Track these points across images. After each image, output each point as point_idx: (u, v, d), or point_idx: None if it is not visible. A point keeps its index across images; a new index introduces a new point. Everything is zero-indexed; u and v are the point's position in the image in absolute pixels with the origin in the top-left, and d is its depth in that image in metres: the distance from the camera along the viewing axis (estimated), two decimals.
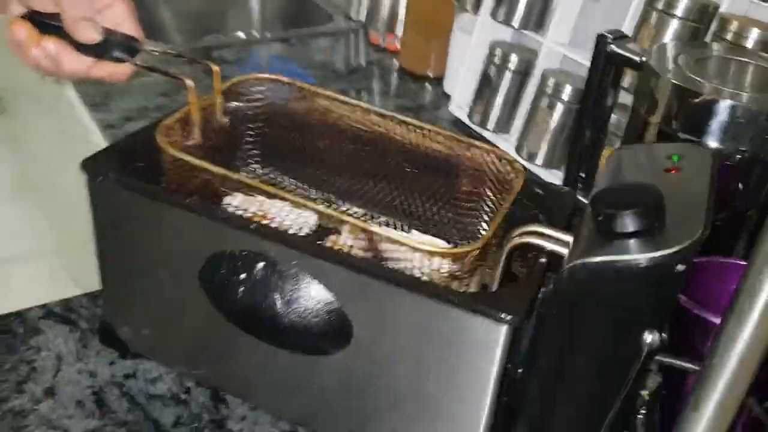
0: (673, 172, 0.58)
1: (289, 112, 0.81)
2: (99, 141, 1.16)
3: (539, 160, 1.13)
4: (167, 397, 0.73)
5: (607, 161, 0.69)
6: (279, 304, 0.61)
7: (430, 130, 0.75)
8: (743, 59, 0.79)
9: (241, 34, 1.94)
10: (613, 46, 0.83)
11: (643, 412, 0.72)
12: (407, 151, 0.77)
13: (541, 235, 0.60)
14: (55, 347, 0.78)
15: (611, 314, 0.51)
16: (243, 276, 0.61)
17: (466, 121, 1.25)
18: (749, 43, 0.85)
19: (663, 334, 0.50)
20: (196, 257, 0.64)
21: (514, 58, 1.17)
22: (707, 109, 0.70)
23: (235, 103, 0.79)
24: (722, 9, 0.91)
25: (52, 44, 0.65)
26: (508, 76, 1.18)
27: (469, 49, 1.25)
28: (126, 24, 0.68)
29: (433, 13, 1.42)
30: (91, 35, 0.65)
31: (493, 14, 1.19)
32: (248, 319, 0.64)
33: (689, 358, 0.57)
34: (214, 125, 0.76)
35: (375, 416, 0.64)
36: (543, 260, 0.60)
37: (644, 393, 0.72)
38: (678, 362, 0.59)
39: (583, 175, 0.93)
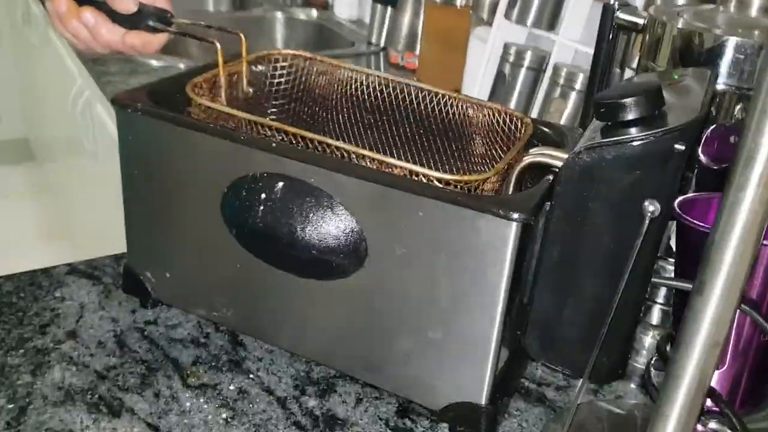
0: (674, 86, 0.60)
1: (311, 86, 0.84)
2: None
3: None
4: (187, 341, 0.75)
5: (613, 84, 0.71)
6: (297, 224, 0.63)
7: (444, 95, 0.78)
8: (745, 17, 0.81)
9: None
10: (618, 13, 0.86)
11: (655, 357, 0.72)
12: (423, 119, 0.80)
13: (550, 156, 0.62)
14: (78, 297, 0.80)
15: (615, 198, 0.52)
16: (263, 197, 0.63)
17: None
18: (753, 11, 0.88)
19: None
20: (218, 186, 0.67)
21: (528, 55, 1.20)
22: (710, 50, 0.72)
23: (259, 73, 0.83)
24: None
25: (90, 14, 0.71)
26: (522, 72, 1.21)
27: (484, 53, 1.29)
28: (160, 0, 0.73)
29: (450, 27, 1.47)
30: (128, 5, 0.71)
31: (507, 15, 1.23)
32: (267, 244, 0.66)
33: None
34: (239, 93, 0.80)
35: (389, 343, 0.65)
36: (550, 177, 0.62)
37: (655, 332, 0.73)
38: (679, 283, 0.60)
39: None
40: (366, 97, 0.80)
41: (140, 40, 0.71)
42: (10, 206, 2.82)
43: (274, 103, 0.86)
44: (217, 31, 0.84)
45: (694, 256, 0.65)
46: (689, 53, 0.74)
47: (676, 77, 0.61)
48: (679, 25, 0.75)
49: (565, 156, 0.60)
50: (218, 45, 0.71)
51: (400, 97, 0.78)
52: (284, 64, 0.82)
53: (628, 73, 0.96)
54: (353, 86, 0.80)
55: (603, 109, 0.53)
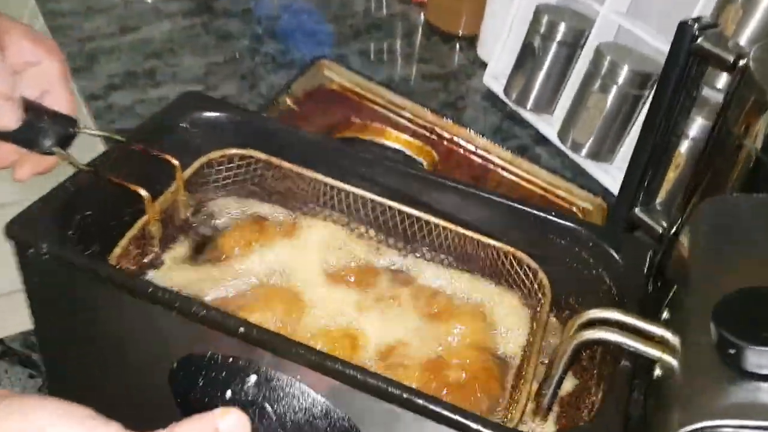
0: None
1: (268, 190, 0.65)
2: (85, 119, 1.01)
3: (584, 151, 0.97)
4: None
5: (698, 213, 0.53)
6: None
7: (437, 225, 0.60)
8: None
9: None
10: (700, 40, 0.66)
11: None
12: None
13: (619, 324, 0.46)
14: None
15: None
16: (228, 395, 0.46)
17: (502, 96, 1.09)
18: None
19: None
20: (163, 356, 0.49)
21: (562, 28, 0.99)
22: None
23: (202, 188, 0.64)
24: None
25: None
26: (554, 48, 1.01)
27: (510, 9, 1.07)
28: (56, 89, 0.52)
29: None
30: (8, 120, 0.48)
31: None
32: None
33: None
34: (176, 223, 0.62)
35: None
36: (626, 364, 0.45)
37: None
38: None
39: (645, 183, 0.78)
40: (340, 212, 0.61)
41: (31, 171, 0.51)
42: None
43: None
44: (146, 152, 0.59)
45: None
46: None
47: None
48: None
49: (647, 328, 0.44)
50: (144, 193, 0.51)
51: (381, 218, 0.60)
52: (231, 165, 0.62)
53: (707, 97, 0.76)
54: (321, 199, 0.61)
55: (730, 351, 0.36)
